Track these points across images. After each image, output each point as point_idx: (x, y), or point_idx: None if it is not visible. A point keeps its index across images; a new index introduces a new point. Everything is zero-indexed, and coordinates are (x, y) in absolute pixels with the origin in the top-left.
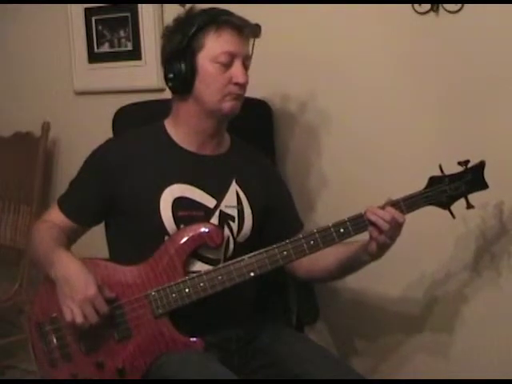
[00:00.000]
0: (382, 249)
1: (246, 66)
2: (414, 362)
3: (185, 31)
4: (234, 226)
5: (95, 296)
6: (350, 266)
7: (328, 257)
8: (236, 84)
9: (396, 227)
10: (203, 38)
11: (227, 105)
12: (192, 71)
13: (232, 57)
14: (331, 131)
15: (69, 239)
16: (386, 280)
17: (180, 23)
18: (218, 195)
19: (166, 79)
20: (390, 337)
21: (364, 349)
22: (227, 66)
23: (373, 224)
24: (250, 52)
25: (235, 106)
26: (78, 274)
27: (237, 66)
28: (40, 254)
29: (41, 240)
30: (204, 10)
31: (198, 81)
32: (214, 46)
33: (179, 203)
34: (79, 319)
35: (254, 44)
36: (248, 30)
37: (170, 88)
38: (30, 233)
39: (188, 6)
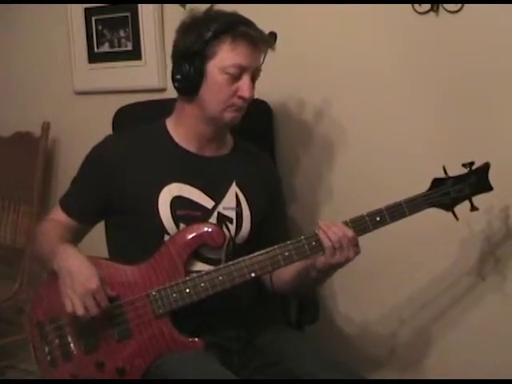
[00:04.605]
0: (331, 266)
1: (254, 78)
2: (414, 363)
3: (200, 34)
4: (232, 227)
5: (97, 289)
6: (301, 280)
7: (288, 269)
8: (241, 97)
9: (348, 244)
10: (217, 47)
11: (228, 115)
12: (200, 76)
13: (242, 70)
14: (331, 131)
15: (73, 238)
16: (386, 282)
17: (197, 23)
18: (217, 196)
19: (173, 78)
20: (391, 337)
21: (364, 349)
22: (236, 78)
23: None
24: (262, 62)
25: (236, 118)
26: (81, 266)
27: (245, 80)
28: (45, 250)
29: (46, 238)
30: (223, 15)
31: (204, 87)
32: (227, 57)
33: (177, 202)
34: (80, 311)
35: (266, 55)
36: (263, 44)
37: (175, 87)
38: (35, 233)
39: (189, 6)
